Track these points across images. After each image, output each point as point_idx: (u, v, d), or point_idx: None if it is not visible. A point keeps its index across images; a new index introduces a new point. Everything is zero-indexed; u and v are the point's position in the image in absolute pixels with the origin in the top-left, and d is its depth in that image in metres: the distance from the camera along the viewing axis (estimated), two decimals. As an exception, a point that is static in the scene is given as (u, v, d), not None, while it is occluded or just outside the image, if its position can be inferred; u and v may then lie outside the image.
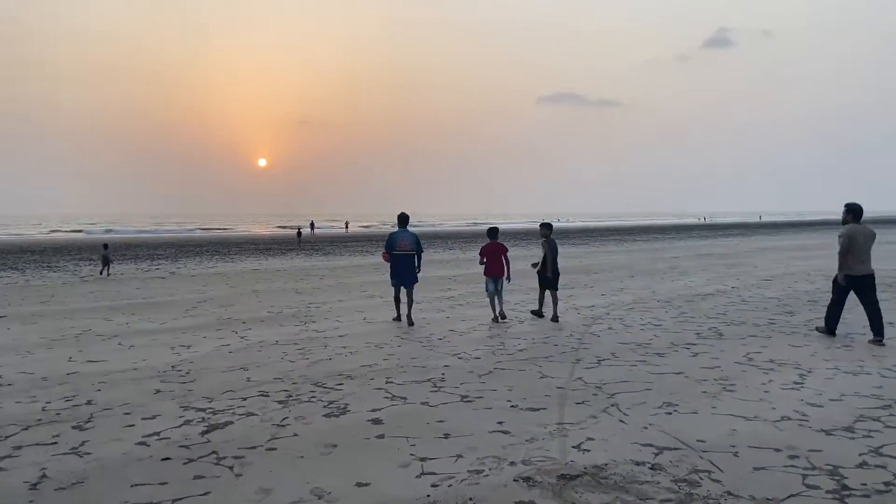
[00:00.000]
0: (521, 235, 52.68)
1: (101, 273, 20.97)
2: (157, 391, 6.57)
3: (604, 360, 7.63)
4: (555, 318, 10.29)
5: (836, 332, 8.78)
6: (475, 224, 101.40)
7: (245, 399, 6.21)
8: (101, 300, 14.29)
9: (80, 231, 73.34)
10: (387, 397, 6.19)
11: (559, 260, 10.90)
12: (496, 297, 10.54)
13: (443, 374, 7.08)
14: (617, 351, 8.10)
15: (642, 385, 6.46)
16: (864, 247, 8.23)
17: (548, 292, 10.66)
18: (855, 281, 8.33)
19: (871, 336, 8.36)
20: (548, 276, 10.46)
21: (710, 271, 19.57)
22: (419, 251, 10.41)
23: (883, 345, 8.11)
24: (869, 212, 13.54)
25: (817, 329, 9.06)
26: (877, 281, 8.62)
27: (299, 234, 48.10)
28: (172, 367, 7.68)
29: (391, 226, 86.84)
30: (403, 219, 10.65)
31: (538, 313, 10.80)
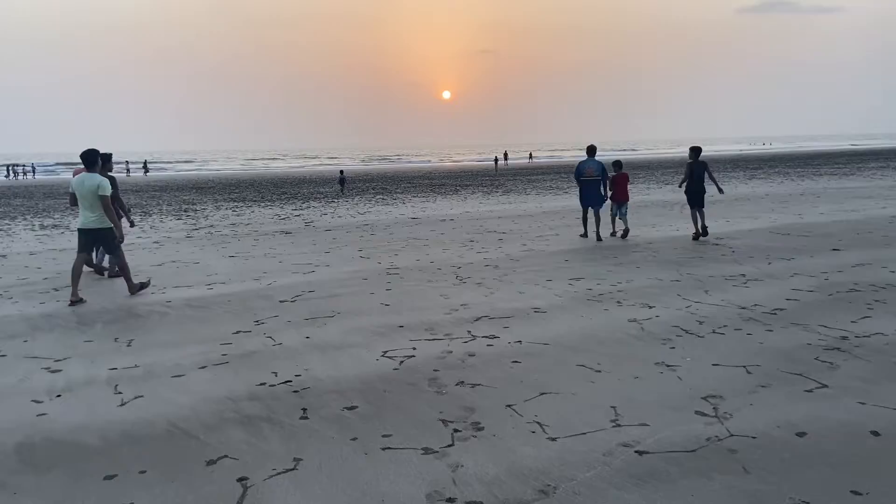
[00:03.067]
0: (737, 162, 41.92)
1: (341, 192, 27.49)
2: None
3: None
4: (704, 233, 11.19)
5: None
6: (676, 149, 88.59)
7: None
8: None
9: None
10: None
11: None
12: (619, 216, 11.97)
13: None
14: None
15: None
16: None
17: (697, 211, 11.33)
18: None
19: None
20: (685, 192, 11.56)
21: None
22: (605, 177, 11.66)
23: None
24: None
25: None
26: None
27: (497, 161, 55.06)
28: None
29: (580, 153, 78.76)
30: (591, 149, 11.91)
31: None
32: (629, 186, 12.46)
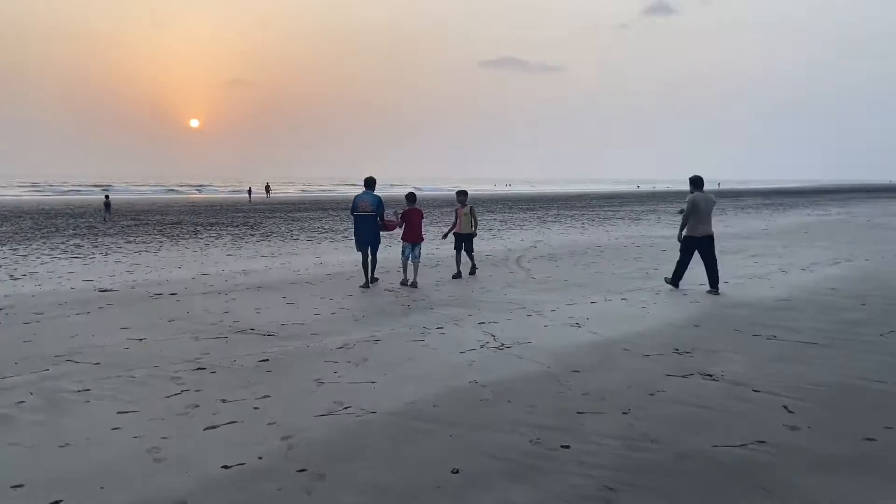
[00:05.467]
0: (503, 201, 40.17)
1: (104, 219, 24.21)
2: None
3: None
4: (473, 271, 11.11)
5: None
6: (438, 189, 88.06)
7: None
8: None
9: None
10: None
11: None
12: (411, 260, 10.41)
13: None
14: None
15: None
16: (705, 212, 9.14)
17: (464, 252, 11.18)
18: (698, 241, 9.21)
19: (708, 287, 9.18)
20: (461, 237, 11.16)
21: None
22: (380, 212, 10.30)
23: (718, 293, 8.98)
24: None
25: (665, 280, 9.70)
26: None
27: (250, 192, 54.82)
28: None
29: (350, 188, 74.91)
30: (369, 181, 10.56)
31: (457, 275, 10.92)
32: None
